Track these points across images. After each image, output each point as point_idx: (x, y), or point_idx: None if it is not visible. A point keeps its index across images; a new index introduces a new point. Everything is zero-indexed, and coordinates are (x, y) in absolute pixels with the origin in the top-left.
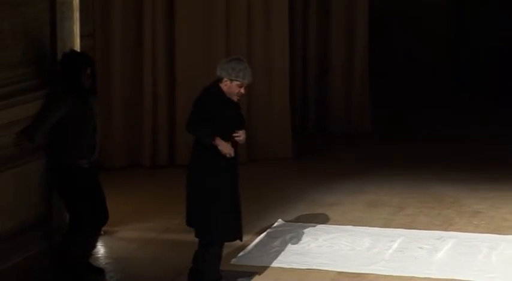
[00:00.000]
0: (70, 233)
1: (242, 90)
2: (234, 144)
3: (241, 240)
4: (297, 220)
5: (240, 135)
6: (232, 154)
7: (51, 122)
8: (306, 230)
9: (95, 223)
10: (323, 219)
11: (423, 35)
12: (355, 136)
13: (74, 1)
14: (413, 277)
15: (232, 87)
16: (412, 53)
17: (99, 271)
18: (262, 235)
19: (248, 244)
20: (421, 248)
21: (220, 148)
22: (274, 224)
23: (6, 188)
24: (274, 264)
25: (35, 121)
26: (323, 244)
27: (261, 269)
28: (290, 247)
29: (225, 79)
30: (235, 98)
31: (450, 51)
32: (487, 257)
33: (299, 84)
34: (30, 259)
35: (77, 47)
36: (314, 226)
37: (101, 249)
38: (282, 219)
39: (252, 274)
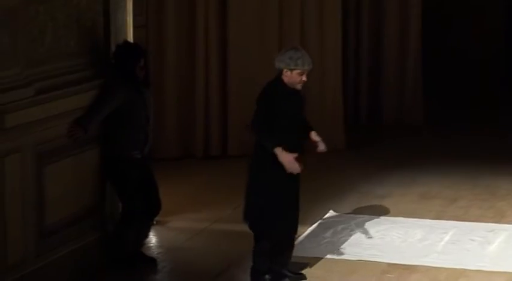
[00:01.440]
0: (122, 223)
1: (304, 78)
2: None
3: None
4: (349, 211)
5: (320, 146)
6: (295, 171)
7: (105, 113)
8: (357, 222)
9: (148, 213)
10: (374, 211)
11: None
12: (407, 128)
13: None
14: (465, 269)
15: (293, 76)
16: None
17: (152, 261)
18: (313, 226)
19: (300, 235)
20: (473, 240)
21: (280, 159)
22: (326, 216)
23: (62, 177)
24: (326, 255)
25: (89, 112)
26: (374, 236)
27: (312, 260)
28: (341, 238)
29: (285, 70)
30: (298, 86)
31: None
32: None
33: (352, 76)
34: (84, 247)
35: (130, 38)
36: (365, 218)
37: (152, 239)
38: (334, 210)
39: (303, 265)
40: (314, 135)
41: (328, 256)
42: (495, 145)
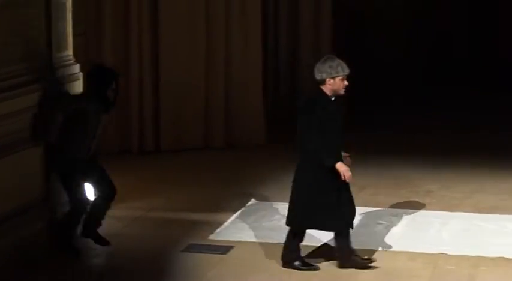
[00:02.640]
0: (68, 214)
1: (346, 82)
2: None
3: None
4: (269, 199)
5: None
6: (348, 179)
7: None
8: (276, 209)
9: (104, 198)
10: None
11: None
12: None
13: (67, 2)
14: (373, 250)
15: (336, 83)
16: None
17: (105, 242)
18: (237, 213)
19: (225, 221)
20: (379, 223)
21: (341, 170)
22: (248, 203)
23: (8, 172)
24: (249, 239)
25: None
26: None
27: (237, 244)
28: (262, 224)
29: (328, 79)
30: (342, 91)
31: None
32: (438, 232)
33: (271, 75)
34: (29, 236)
35: (70, 45)
36: (284, 205)
37: None
38: (255, 199)
39: (228, 248)
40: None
41: (251, 240)
42: (403, 140)
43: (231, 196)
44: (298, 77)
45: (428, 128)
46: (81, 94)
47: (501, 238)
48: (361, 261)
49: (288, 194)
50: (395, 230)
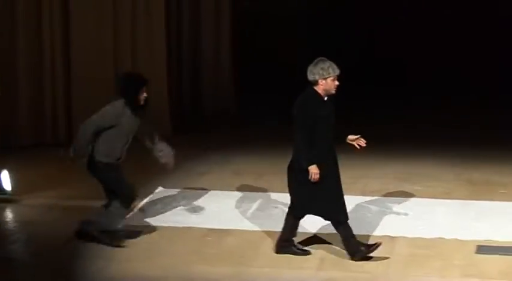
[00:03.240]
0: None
1: (336, 82)
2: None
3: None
4: (175, 186)
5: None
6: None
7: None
8: (182, 195)
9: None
10: (196, 185)
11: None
12: (223, 116)
13: None
14: (270, 231)
15: (328, 83)
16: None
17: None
18: (145, 200)
19: (134, 208)
20: (276, 207)
21: (311, 171)
22: (156, 191)
23: None
24: (157, 223)
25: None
26: (196, 206)
27: (145, 228)
28: (169, 210)
29: (320, 80)
30: (333, 91)
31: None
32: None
33: (176, 73)
34: None
35: None
36: (189, 191)
37: (9, 214)
38: (162, 186)
39: (137, 233)
40: (351, 136)
41: (159, 224)
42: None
43: (140, 184)
44: (200, 74)
45: None
46: (116, 103)
47: (385, 218)
48: (368, 250)
49: (192, 181)
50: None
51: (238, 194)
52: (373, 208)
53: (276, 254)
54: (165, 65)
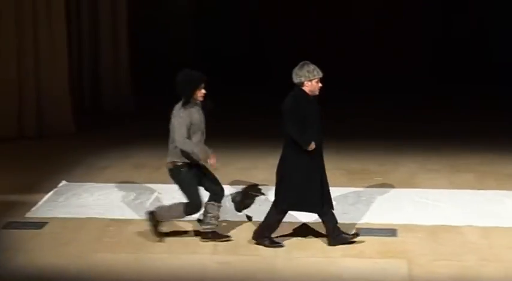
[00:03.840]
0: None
1: (320, 84)
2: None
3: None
4: (78, 180)
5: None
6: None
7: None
8: (84, 188)
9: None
10: (98, 179)
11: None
12: (122, 113)
13: None
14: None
15: (313, 85)
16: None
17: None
18: (49, 194)
19: (39, 201)
20: (173, 198)
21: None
22: (59, 185)
23: None
24: (60, 215)
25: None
26: (98, 198)
27: (51, 220)
28: (72, 202)
29: (306, 82)
30: (317, 92)
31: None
32: (223, 202)
33: (76, 74)
34: None
35: None
36: (91, 184)
37: None
38: (66, 180)
39: (43, 224)
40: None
41: (62, 216)
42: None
43: (45, 178)
44: (99, 74)
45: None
46: (176, 106)
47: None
48: (348, 236)
49: (94, 175)
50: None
51: (138, 186)
52: (261, 197)
53: (173, 241)
54: (66, 65)
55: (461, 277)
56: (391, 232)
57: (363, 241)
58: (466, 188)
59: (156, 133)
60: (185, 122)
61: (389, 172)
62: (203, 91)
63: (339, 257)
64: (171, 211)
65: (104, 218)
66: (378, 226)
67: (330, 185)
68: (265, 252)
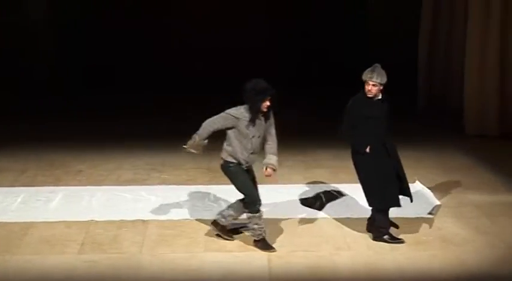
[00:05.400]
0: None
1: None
2: None
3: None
4: None
5: None
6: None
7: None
8: None
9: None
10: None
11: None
12: None
13: None
14: (34, 222)
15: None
16: None
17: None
18: None
19: None
20: (38, 200)
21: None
22: None
23: None
24: None
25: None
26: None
27: None
28: None
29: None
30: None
31: None
32: (88, 203)
33: None
34: None
35: None
36: None
37: None
38: None
39: None
40: None
41: None
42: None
43: None
44: None
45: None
46: (240, 107)
47: (138, 204)
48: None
49: None
50: (53, 204)
51: (3, 189)
52: (127, 195)
53: (39, 243)
54: None
55: (317, 266)
56: None
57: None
58: (320, 183)
59: (23, 137)
60: (226, 121)
61: None
62: (268, 103)
63: (201, 251)
64: (230, 212)
65: None
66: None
67: (194, 182)
68: (130, 249)
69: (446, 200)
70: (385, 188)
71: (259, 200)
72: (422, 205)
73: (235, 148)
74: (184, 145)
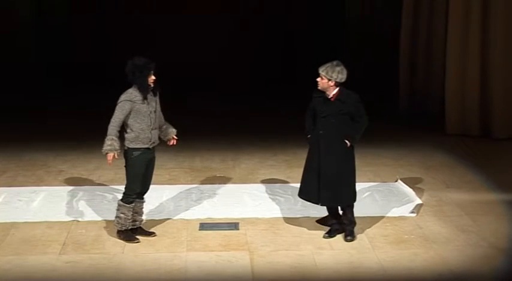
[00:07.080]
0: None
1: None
2: None
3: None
4: None
5: None
6: None
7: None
8: None
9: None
10: None
11: None
12: None
13: None
14: (15, 222)
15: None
16: None
17: (150, 233)
18: None
19: None
20: (20, 200)
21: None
22: None
23: None
24: None
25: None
26: None
27: None
28: None
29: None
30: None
31: None
32: (69, 203)
33: None
34: None
35: None
36: None
37: None
38: None
39: None
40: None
41: None
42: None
43: None
44: None
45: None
46: (128, 90)
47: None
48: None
49: None
50: (34, 204)
51: None
52: (108, 195)
53: (21, 243)
54: None
55: (298, 265)
56: (233, 225)
57: (207, 235)
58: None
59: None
60: (124, 109)
61: (230, 168)
62: (153, 77)
63: (184, 251)
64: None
65: None
66: (221, 220)
67: (175, 182)
68: (113, 249)
69: (427, 199)
70: (303, 181)
71: (137, 195)
72: (404, 204)
73: (136, 131)
74: (102, 150)
